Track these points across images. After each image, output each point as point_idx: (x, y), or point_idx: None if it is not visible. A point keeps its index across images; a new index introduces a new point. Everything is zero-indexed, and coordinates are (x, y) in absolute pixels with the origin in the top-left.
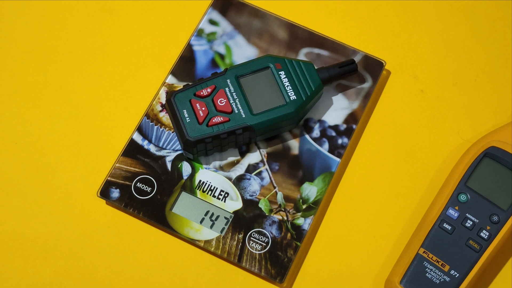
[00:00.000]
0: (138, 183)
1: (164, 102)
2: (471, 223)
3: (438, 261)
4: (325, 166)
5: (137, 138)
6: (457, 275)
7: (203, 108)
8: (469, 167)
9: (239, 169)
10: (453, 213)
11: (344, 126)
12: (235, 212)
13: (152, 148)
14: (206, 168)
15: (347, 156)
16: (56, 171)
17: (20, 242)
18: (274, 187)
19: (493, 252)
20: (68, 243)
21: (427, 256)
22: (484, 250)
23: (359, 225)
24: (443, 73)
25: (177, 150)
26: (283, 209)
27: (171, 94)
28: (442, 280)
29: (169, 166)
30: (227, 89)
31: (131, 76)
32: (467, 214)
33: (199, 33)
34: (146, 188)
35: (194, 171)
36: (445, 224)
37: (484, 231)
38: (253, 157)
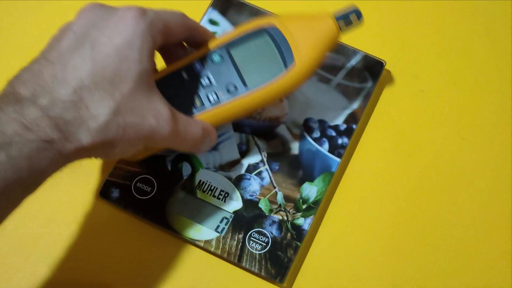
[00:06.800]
0: (138, 183)
1: None
2: (207, 81)
3: None
4: (325, 166)
5: None
6: None
7: None
8: (242, 35)
9: (239, 169)
10: (197, 66)
11: (344, 126)
12: (235, 212)
13: None
14: (206, 168)
15: (347, 156)
16: None
17: (20, 242)
18: (274, 187)
19: (205, 118)
20: (68, 243)
21: None
22: (202, 110)
23: (359, 225)
24: (443, 73)
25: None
26: (283, 209)
27: None
28: None
29: (169, 166)
30: None
31: None
32: (209, 73)
33: None
34: (146, 188)
35: (194, 171)
36: (184, 72)
37: (213, 95)
38: (253, 157)
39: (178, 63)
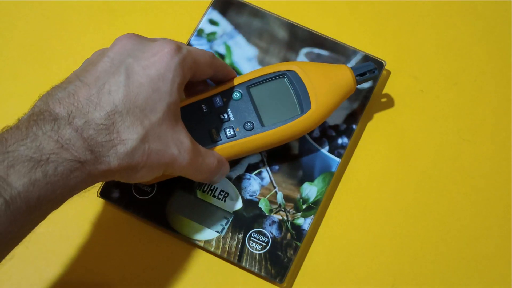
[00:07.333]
0: (138, 183)
1: None
2: (226, 116)
3: None
4: (325, 166)
5: None
6: None
7: None
8: (262, 76)
9: (239, 169)
10: (218, 100)
11: (344, 126)
12: (235, 212)
13: None
14: None
15: (347, 156)
16: None
17: (20, 242)
18: (274, 187)
19: (220, 150)
20: (69, 243)
21: None
22: (219, 144)
23: (359, 225)
24: (443, 73)
25: None
26: (283, 209)
27: None
28: None
29: None
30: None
31: None
32: (228, 109)
33: (199, 33)
34: (146, 188)
35: None
36: (204, 105)
37: (231, 130)
38: (253, 157)
39: (199, 96)
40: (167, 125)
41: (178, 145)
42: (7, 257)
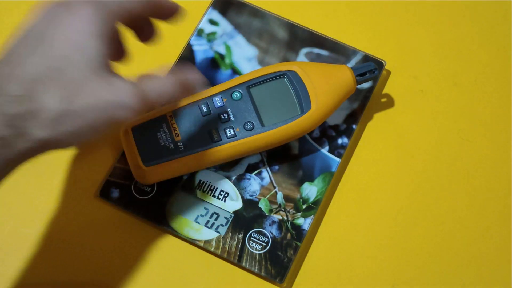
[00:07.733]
0: (138, 183)
1: None
2: (226, 116)
3: (175, 129)
4: (325, 166)
5: None
6: (182, 149)
7: None
8: (263, 76)
9: (239, 169)
10: (218, 100)
11: (344, 126)
12: (235, 212)
13: None
14: (206, 168)
15: (347, 156)
16: (56, 171)
17: (20, 242)
18: (274, 187)
19: (220, 151)
20: (68, 243)
21: (170, 120)
22: (219, 144)
23: (359, 225)
24: (443, 73)
25: None
26: (283, 209)
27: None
28: (166, 145)
29: None
30: None
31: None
32: (228, 109)
33: (199, 33)
34: (146, 188)
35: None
36: (204, 105)
37: (231, 130)
38: (253, 157)
39: (199, 95)
40: (95, 78)
41: (113, 91)
42: (5, 257)
